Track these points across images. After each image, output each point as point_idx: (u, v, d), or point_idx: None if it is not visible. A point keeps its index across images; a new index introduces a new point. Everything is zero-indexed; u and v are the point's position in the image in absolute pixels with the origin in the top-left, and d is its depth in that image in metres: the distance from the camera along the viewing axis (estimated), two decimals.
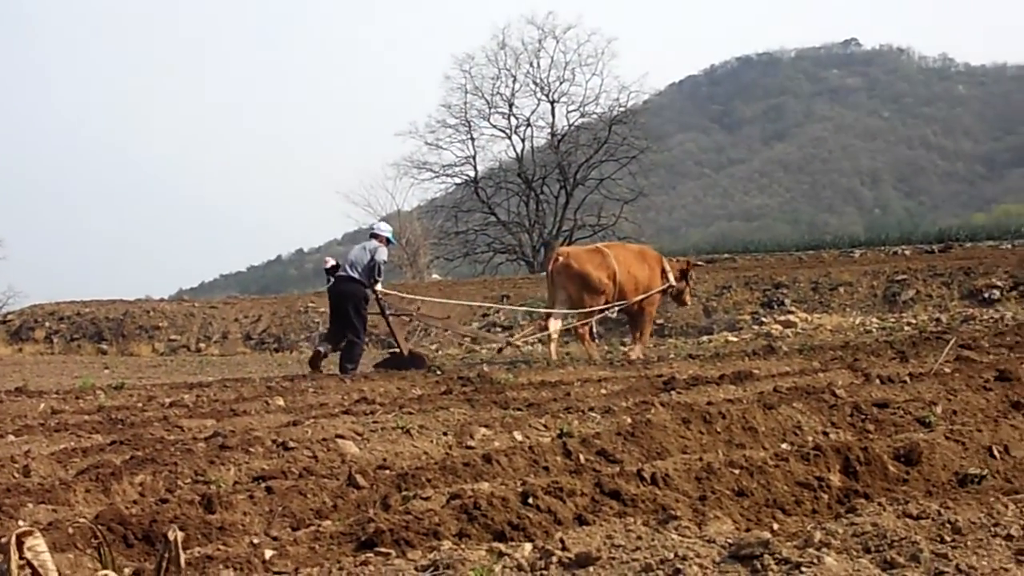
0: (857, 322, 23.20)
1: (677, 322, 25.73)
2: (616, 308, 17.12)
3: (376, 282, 16.13)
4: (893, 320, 23.16)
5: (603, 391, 10.18)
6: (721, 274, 29.48)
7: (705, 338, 23.55)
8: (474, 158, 56.29)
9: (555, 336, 16.79)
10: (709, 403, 8.04)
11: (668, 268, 17.99)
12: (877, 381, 9.30)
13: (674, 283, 17.95)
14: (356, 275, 16.07)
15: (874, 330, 21.30)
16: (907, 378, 9.27)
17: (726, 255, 38.78)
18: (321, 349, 16.34)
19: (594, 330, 17.71)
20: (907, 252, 33.60)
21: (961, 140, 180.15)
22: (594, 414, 7.87)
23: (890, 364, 11.55)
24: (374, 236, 16.60)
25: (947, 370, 10.03)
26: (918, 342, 14.98)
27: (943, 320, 22.15)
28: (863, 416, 7.14)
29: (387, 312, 16.78)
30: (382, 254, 16.16)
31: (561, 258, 16.85)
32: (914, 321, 22.51)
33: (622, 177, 55.25)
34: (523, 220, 55.26)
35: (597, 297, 16.65)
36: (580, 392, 10.09)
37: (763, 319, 25.18)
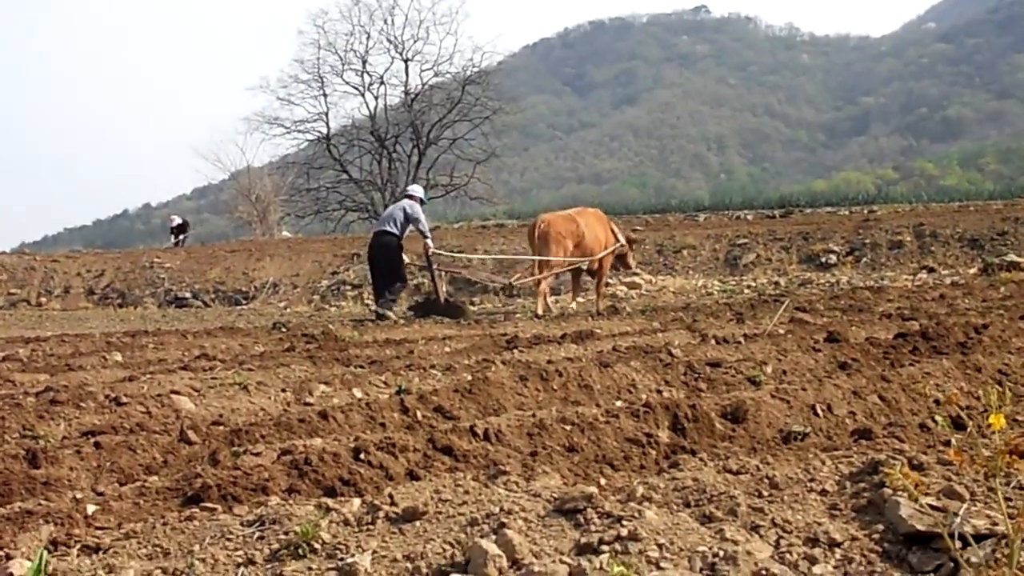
0: (699, 284, 23.66)
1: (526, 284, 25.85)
2: (586, 262, 18.47)
3: (426, 236, 18.28)
4: (734, 283, 23.67)
5: (447, 349, 10.19)
6: None
7: (552, 299, 23.74)
8: (326, 115, 55.53)
9: (544, 290, 17.89)
10: (549, 361, 8.10)
11: (616, 230, 19.54)
12: (713, 341, 9.49)
13: (624, 242, 19.50)
14: (390, 228, 17.80)
15: (715, 292, 21.73)
16: (742, 339, 9.47)
17: None
18: (388, 313, 17.25)
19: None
20: (749, 217, 34.38)
21: (804, 108, 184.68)
22: (435, 371, 7.88)
23: (727, 325, 11.77)
24: (408, 197, 18.41)
25: (781, 331, 10.27)
26: (756, 304, 15.36)
27: (781, 283, 22.70)
28: (696, 375, 7.27)
29: (433, 267, 18.61)
30: (417, 211, 18.00)
31: (542, 224, 18.12)
32: (754, 284, 23.04)
33: (475, 138, 55.15)
34: (376, 179, 54.79)
35: (566, 254, 18.07)
36: (424, 350, 10.08)
37: (608, 280, 25.49)
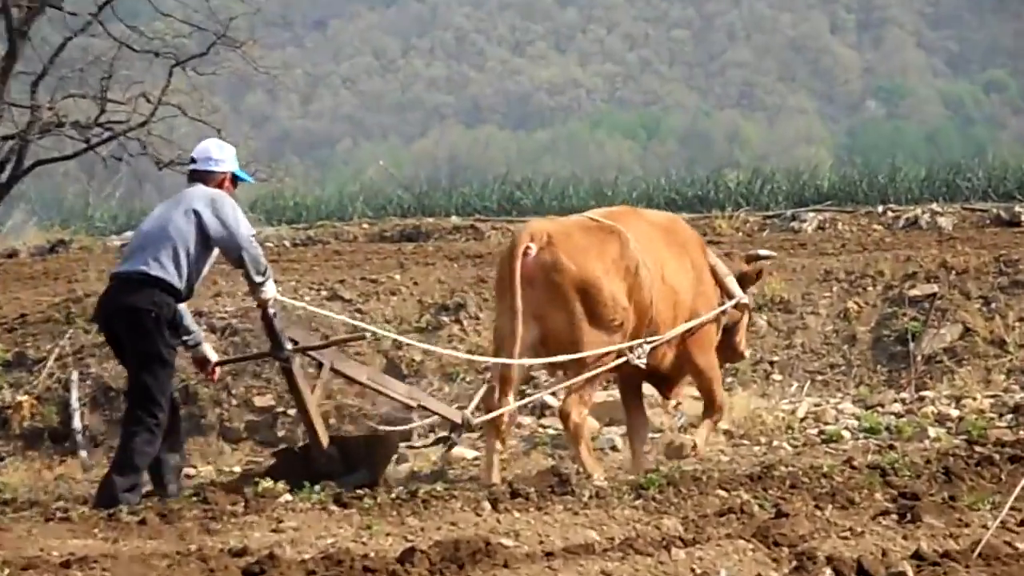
0: (801, 411, 23.66)
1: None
2: (649, 347, 17.99)
3: (259, 275, 17.53)
4: (899, 408, 23.73)
5: None
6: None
7: (403, 444, 23.60)
8: None
9: (508, 420, 18.08)
10: None
11: (719, 263, 19.31)
12: (829, 573, 9.50)
13: (742, 297, 19.30)
14: (150, 268, 17.13)
15: (845, 433, 21.75)
16: (908, 567, 9.50)
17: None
18: (167, 459, 17.76)
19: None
20: (945, 224, 34.64)
21: None
22: None
23: (871, 527, 11.82)
24: (200, 176, 18.10)
25: (1019, 546, 10.35)
26: (953, 470, 15.40)
27: None
28: None
29: (286, 352, 18.19)
30: (228, 210, 17.43)
31: (538, 246, 17.51)
32: (954, 413, 23.08)
33: None
34: None
35: (610, 333, 17.62)
36: None
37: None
